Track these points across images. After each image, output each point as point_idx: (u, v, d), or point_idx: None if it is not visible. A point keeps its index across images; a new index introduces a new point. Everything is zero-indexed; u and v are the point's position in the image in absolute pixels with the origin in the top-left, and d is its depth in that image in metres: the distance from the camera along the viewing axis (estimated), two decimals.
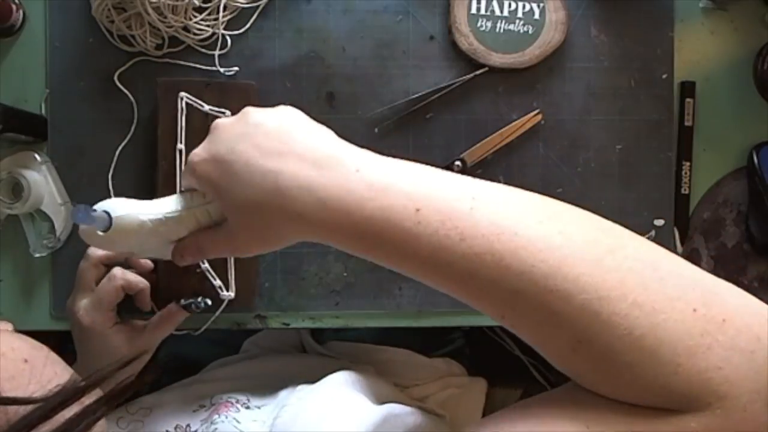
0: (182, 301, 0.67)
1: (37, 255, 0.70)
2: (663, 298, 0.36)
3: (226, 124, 0.46)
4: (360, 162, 0.42)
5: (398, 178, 0.41)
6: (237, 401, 0.66)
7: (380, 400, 0.65)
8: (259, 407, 0.65)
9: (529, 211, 0.40)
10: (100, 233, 0.48)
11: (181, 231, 0.49)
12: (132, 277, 0.65)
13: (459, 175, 0.42)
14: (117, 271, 0.65)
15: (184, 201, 0.49)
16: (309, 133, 0.45)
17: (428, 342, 0.93)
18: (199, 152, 0.46)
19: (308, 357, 0.89)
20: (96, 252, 0.66)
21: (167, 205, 0.49)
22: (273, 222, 0.43)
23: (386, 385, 0.78)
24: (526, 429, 0.38)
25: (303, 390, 0.64)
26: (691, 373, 0.35)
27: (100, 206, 0.48)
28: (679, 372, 0.35)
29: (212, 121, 0.68)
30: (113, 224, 0.48)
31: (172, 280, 0.70)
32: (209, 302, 0.67)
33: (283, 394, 0.67)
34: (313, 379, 0.66)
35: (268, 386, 0.69)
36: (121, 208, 0.48)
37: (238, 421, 0.61)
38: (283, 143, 0.43)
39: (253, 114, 0.46)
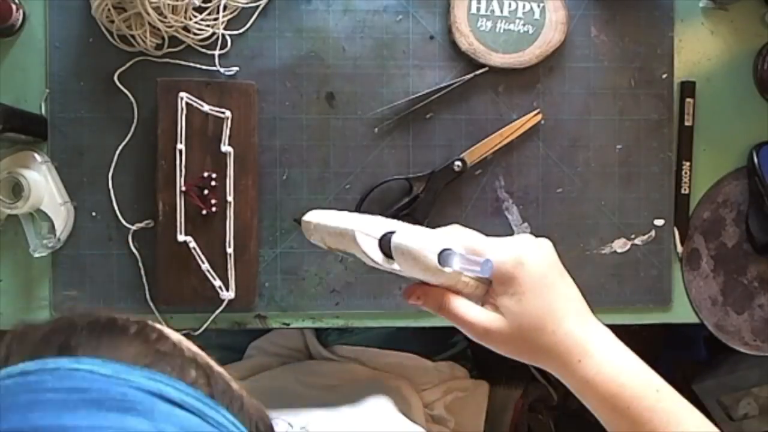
0: None
1: (37, 255, 0.70)
2: None
3: (539, 244, 0.52)
4: (611, 334, 0.52)
5: (636, 358, 0.51)
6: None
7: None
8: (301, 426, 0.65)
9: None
10: (446, 270, 0.48)
11: (447, 283, 0.50)
12: None
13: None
14: None
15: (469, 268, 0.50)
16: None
17: (432, 346, 0.94)
18: (517, 255, 0.49)
19: (316, 365, 0.88)
20: None
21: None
22: (548, 351, 0.49)
23: (409, 392, 0.80)
24: None
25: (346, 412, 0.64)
26: None
27: (446, 244, 0.48)
28: None
29: (212, 121, 0.69)
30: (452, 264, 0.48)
31: (171, 280, 0.70)
32: None
33: (322, 415, 0.66)
34: (331, 393, 0.66)
35: (285, 399, 0.69)
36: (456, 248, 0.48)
37: None
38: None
39: (554, 251, 0.52)
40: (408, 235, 0.48)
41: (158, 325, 0.33)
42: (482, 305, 0.50)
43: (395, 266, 0.49)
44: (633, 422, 0.49)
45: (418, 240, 0.47)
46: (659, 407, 0.49)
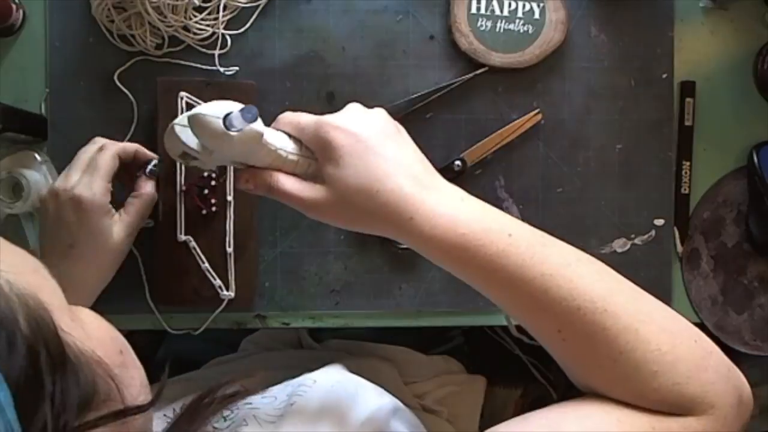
0: (139, 174, 0.66)
1: None
2: (677, 329, 0.49)
3: (365, 111, 0.53)
4: (463, 192, 0.52)
5: (490, 209, 0.51)
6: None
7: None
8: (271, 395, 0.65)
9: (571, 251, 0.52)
10: (232, 134, 0.48)
11: (275, 164, 0.51)
12: (126, 143, 0.65)
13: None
14: (108, 142, 0.64)
15: (297, 147, 0.52)
16: (421, 159, 0.53)
17: (427, 340, 0.93)
18: (337, 121, 0.50)
19: (308, 352, 0.88)
20: (115, 143, 0.64)
21: (285, 142, 0.52)
22: (376, 213, 0.49)
23: (391, 372, 0.79)
24: (562, 420, 0.47)
25: (315, 374, 0.64)
26: (697, 385, 0.47)
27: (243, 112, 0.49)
28: (690, 383, 0.46)
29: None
30: (244, 131, 0.48)
31: (171, 280, 0.70)
32: (158, 157, 0.67)
33: (293, 381, 0.66)
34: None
35: (272, 379, 0.69)
36: (258, 123, 0.49)
37: (253, 406, 0.60)
38: (402, 159, 0.51)
39: (386, 118, 0.53)
40: (204, 106, 0.49)
41: None
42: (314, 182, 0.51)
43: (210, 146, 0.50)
44: (484, 271, 0.48)
45: (207, 107, 0.49)
46: (512, 251, 0.47)
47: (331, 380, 0.59)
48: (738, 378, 0.50)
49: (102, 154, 0.63)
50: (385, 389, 0.62)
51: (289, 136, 0.53)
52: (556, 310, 0.47)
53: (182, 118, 0.51)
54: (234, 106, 0.49)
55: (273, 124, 0.54)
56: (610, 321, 0.47)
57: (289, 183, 0.51)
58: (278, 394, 0.58)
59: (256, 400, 0.60)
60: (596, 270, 0.50)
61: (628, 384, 0.47)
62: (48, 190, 0.62)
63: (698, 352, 0.48)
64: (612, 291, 0.48)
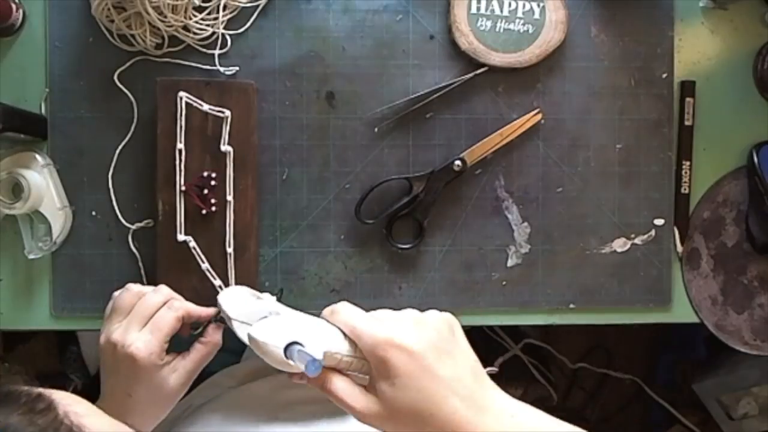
0: (212, 320, 0.64)
1: (32, 257, 0.70)
2: None
3: (420, 320, 0.52)
4: (515, 407, 0.50)
5: (539, 422, 0.49)
6: None
7: None
8: None
9: None
10: (292, 363, 0.49)
11: (329, 364, 0.50)
12: (191, 305, 0.64)
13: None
14: (172, 297, 0.63)
15: (351, 348, 0.51)
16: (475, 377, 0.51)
17: None
18: (394, 337, 0.49)
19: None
20: (181, 303, 0.63)
21: (340, 342, 0.51)
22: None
23: None
24: None
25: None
26: None
27: (293, 337, 0.49)
28: None
29: (212, 120, 0.69)
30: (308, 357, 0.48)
31: (172, 279, 0.70)
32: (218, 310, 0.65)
33: None
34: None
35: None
36: (311, 341, 0.50)
37: None
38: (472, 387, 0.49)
39: (441, 325, 0.52)
40: (261, 328, 0.50)
41: (55, 395, 0.38)
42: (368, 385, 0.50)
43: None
44: None
45: (266, 334, 0.49)
46: None
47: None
48: None
49: (166, 313, 0.61)
50: None
51: (344, 333, 0.52)
52: None
53: (258, 327, 0.51)
54: (293, 332, 0.49)
55: (328, 314, 0.53)
56: None
57: (342, 387, 0.50)
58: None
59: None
60: None
61: None
62: (105, 338, 0.61)
63: None
64: None
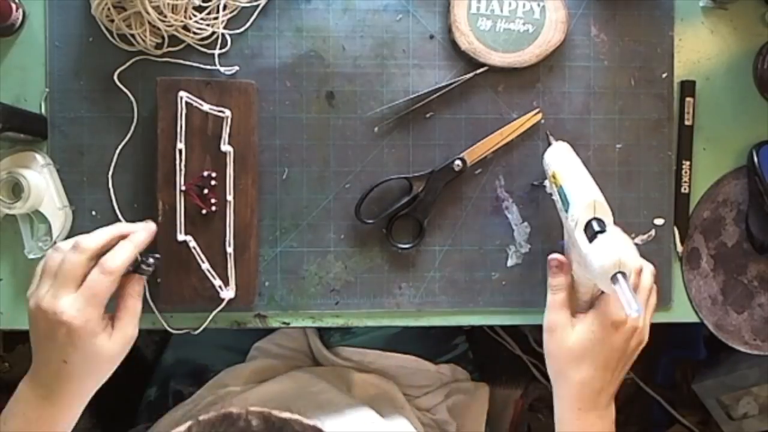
0: (130, 268, 0.60)
1: (32, 256, 0.70)
2: None
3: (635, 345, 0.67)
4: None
5: None
6: None
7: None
8: None
9: None
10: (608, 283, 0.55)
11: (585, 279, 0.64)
12: (124, 254, 0.59)
13: None
14: (109, 260, 0.57)
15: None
16: None
17: (433, 348, 0.94)
18: (643, 330, 0.67)
19: (317, 378, 0.86)
20: (89, 243, 0.58)
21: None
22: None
23: (396, 393, 0.81)
24: None
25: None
26: None
27: None
28: None
29: (212, 120, 0.69)
30: None
31: (172, 279, 0.70)
32: (157, 256, 0.63)
33: None
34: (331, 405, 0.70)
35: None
36: None
37: None
38: None
39: None
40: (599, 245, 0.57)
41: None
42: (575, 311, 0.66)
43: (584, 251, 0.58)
44: None
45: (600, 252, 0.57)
46: None
47: None
48: None
49: (101, 278, 0.56)
50: (391, 410, 0.64)
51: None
52: None
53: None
54: (634, 259, 0.56)
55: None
56: None
57: (556, 303, 0.67)
58: None
59: None
60: None
61: None
62: (35, 304, 0.56)
63: None
64: None
